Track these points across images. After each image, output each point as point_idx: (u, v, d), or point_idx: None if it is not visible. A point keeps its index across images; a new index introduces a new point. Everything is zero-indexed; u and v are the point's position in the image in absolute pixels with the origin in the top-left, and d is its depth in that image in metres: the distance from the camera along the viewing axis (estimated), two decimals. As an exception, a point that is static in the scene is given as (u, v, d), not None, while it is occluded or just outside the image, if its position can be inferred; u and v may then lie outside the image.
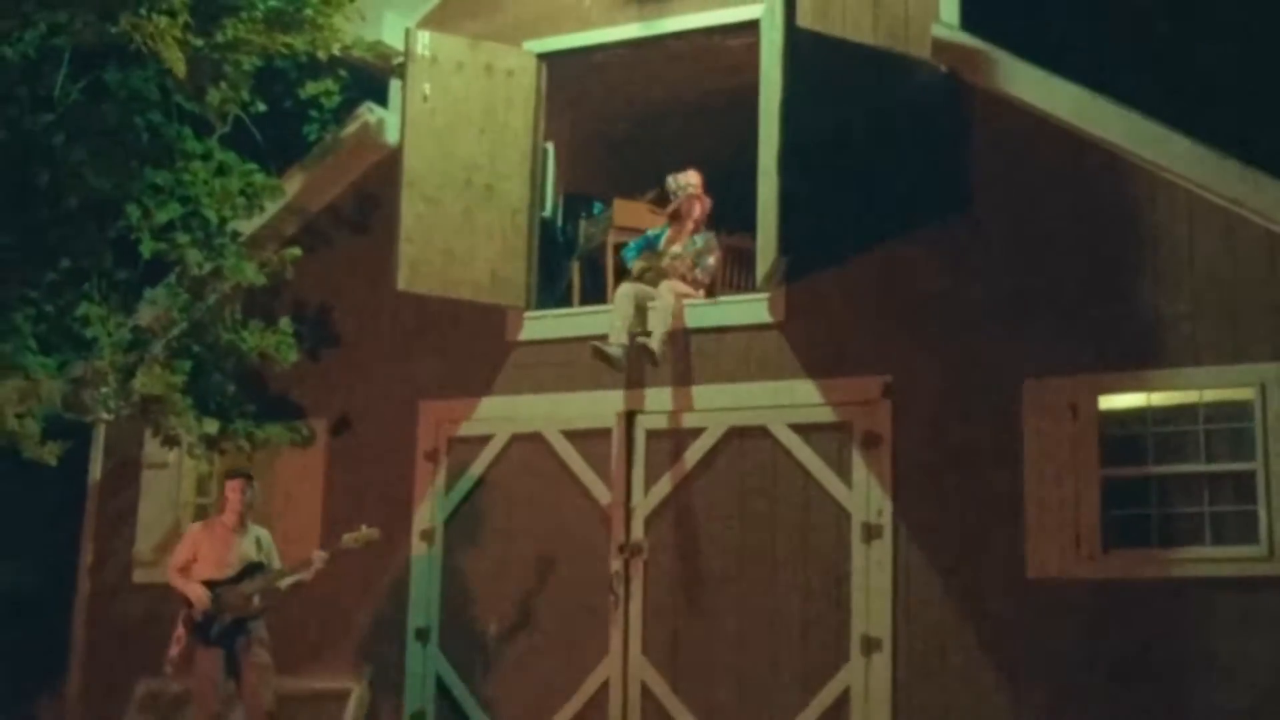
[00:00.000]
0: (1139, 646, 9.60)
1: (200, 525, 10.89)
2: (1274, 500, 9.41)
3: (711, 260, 11.46)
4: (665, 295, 11.03)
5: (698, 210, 11.58)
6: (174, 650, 10.50)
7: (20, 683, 13.01)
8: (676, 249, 11.50)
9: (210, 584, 10.45)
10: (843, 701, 10.28)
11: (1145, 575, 9.69)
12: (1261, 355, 9.58)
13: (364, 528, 10.57)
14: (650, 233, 11.86)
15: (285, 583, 10.66)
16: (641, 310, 11.07)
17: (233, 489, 10.74)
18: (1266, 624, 9.32)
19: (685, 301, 11.18)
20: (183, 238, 11.40)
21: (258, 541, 10.72)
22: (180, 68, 9.81)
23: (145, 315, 11.90)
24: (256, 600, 10.53)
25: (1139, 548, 9.75)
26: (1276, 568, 9.34)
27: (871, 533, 10.37)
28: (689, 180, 11.68)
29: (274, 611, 10.83)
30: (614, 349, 10.84)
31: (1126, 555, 9.75)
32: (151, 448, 12.24)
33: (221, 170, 11.59)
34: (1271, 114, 11.18)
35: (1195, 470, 9.73)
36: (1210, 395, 9.72)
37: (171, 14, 9.97)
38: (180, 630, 10.49)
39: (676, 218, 11.65)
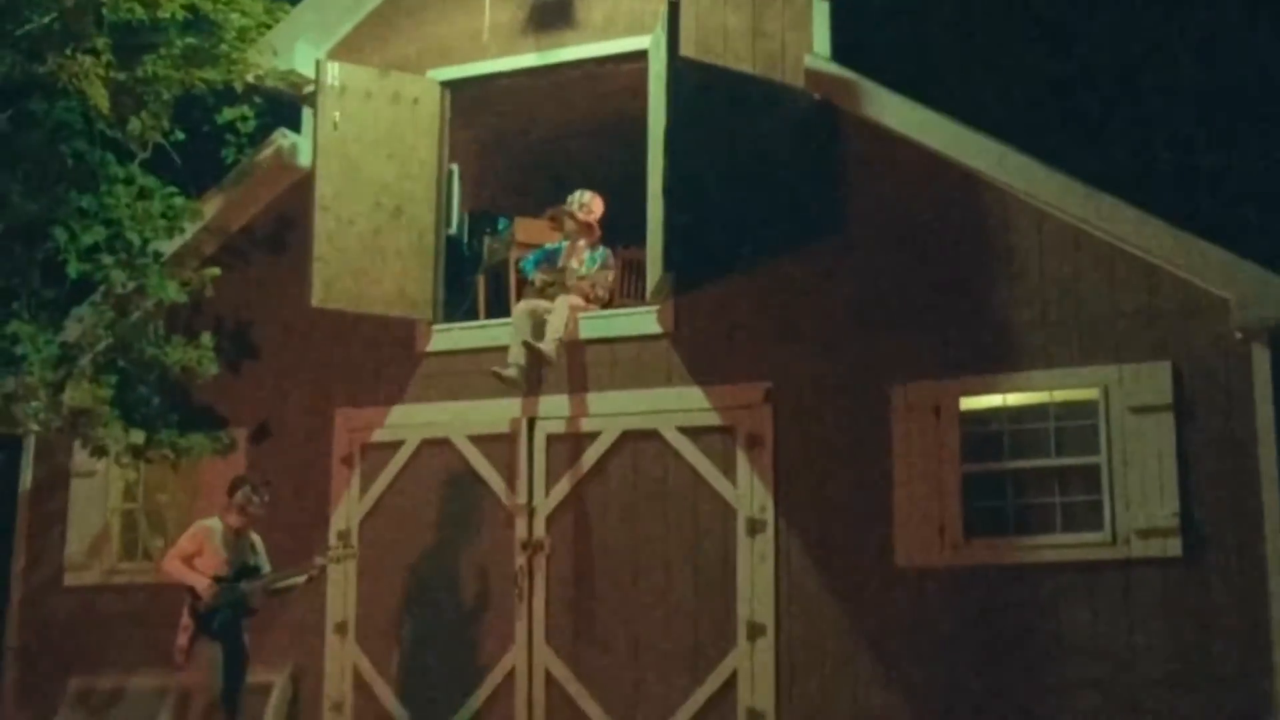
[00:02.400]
0: (999, 627, 10.20)
1: (207, 523, 10.89)
2: (1117, 491, 10.05)
3: (610, 276, 12.00)
4: (560, 308, 11.50)
5: (595, 230, 12.08)
6: (183, 639, 10.56)
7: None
8: (575, 264, 11.98)
9: (214, 579, 10.59)
10: (731, 683, 10.79)
11: (1003, 561, 10.28)
12: (1105, 358, 10.21)
13: (341, 545, 11.23)
14: (549, 246, 12.31)
15: (282, 585, 10.90)
16: (539, 325, 11.51)
17: (245, 496, 10.84)
18: (1111, 603, 9.97)
19: (580, 314, 11.67)
20: (108, 259, 11.75)
21: (253, 546, 10.91)
22: (104, 104, 10.30)
23: (72, 332, 12.12)
24: (254, 600, 10.76)
25: (997, 536, 10.35)
26: (1119, 552, 9.98)
27: (755, 527, 10.91)
28: (586, 198, 12.15)
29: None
30: (511, 371, 11.31)
31: (986, 543, 10.35)
32: (80, 457, 12.51)
33: (143, 194, 11.93)
34: (1115, 138, 11.92)
35: (1047, 465, 10.33)
36: (1060, 395, 10.33)
37: (95, 53, 10.50)
38: (187, 620, 10.57)
39: (579, 229, 12.09)
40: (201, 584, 10.57)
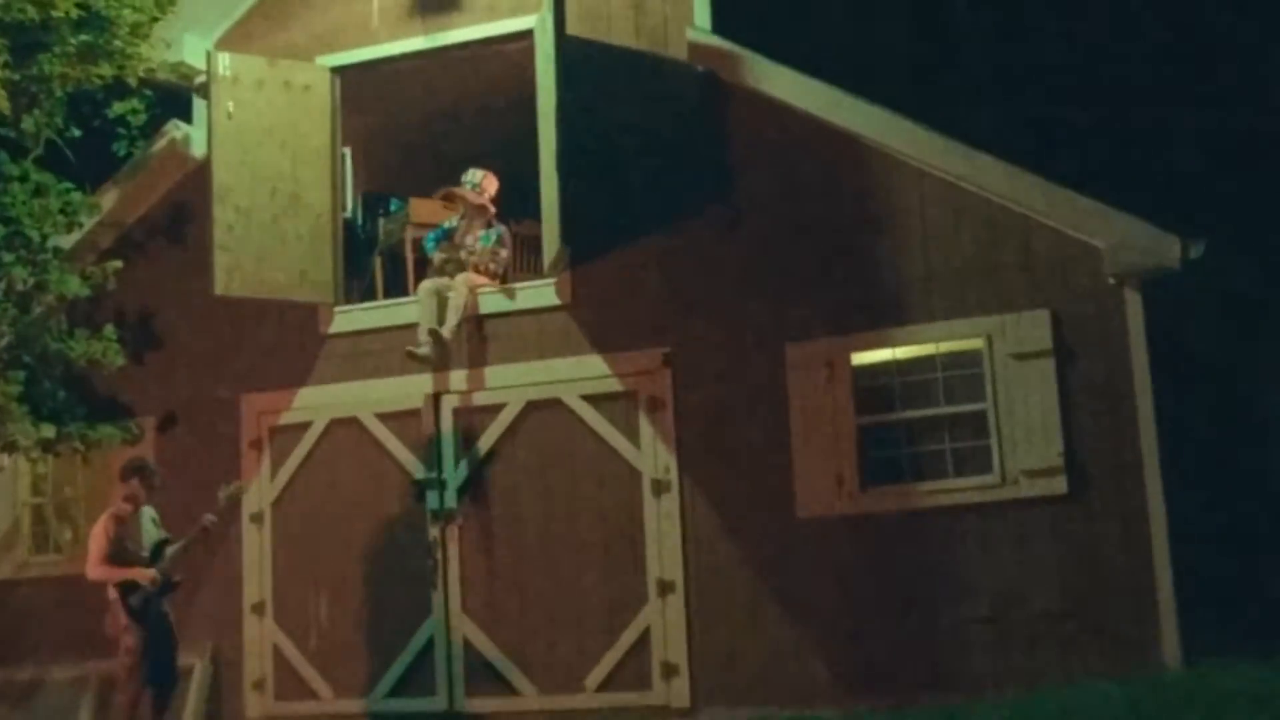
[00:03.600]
0: (898, 570, 10.63)
1: (106, 517, 10.85)
2: (1004, 434, 10.49)
3: (504, 254, 12.27)
4: (459, 287, 11.77)
5: (489, 208, 12.33)
6: (122, 618, 10.59)
7: None
8: (470, 241, 12.23)
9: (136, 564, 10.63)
10: (644, 639, 11.15)
11: (900, 508, 10.70)
12: (987, 309, 10.64)
13: (228, 484, 11.05)
14: (446, 224, 12.51)
15: (184, 548, 10.84)
16: (444, 303, 11.76)
17: (137, 481, 10.89)
18: (1000, 542, 10.45)
19: (480, 290, 11.95)
20: (7, 256, 11.83)
21: (154, 521, 10.95)
22: (6, 106, 10.41)
23: None
24: (173, 574, 10.80)
25: (893, 484, 10.76)
26: (1007, 493, 10.45)
27: (660, 488, 11.24)
28: (479, 177, 12.38)
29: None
30: (423, 349, 11.60)
31: (882, 491, 10.76)
32: None
33: (39, 191, 12.03)
34: (990, 97, 12.36)
35: (937, 413, 10.75)
36: (946, 347, 10.75)
37: (-11, 53, 10.61)
38: (123, 615, 10.58)
39: (473, 209, 12.29)
40: (145, 576, 10.63)
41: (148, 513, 11.01)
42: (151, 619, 10.66)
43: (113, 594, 10.70)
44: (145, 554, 10.76)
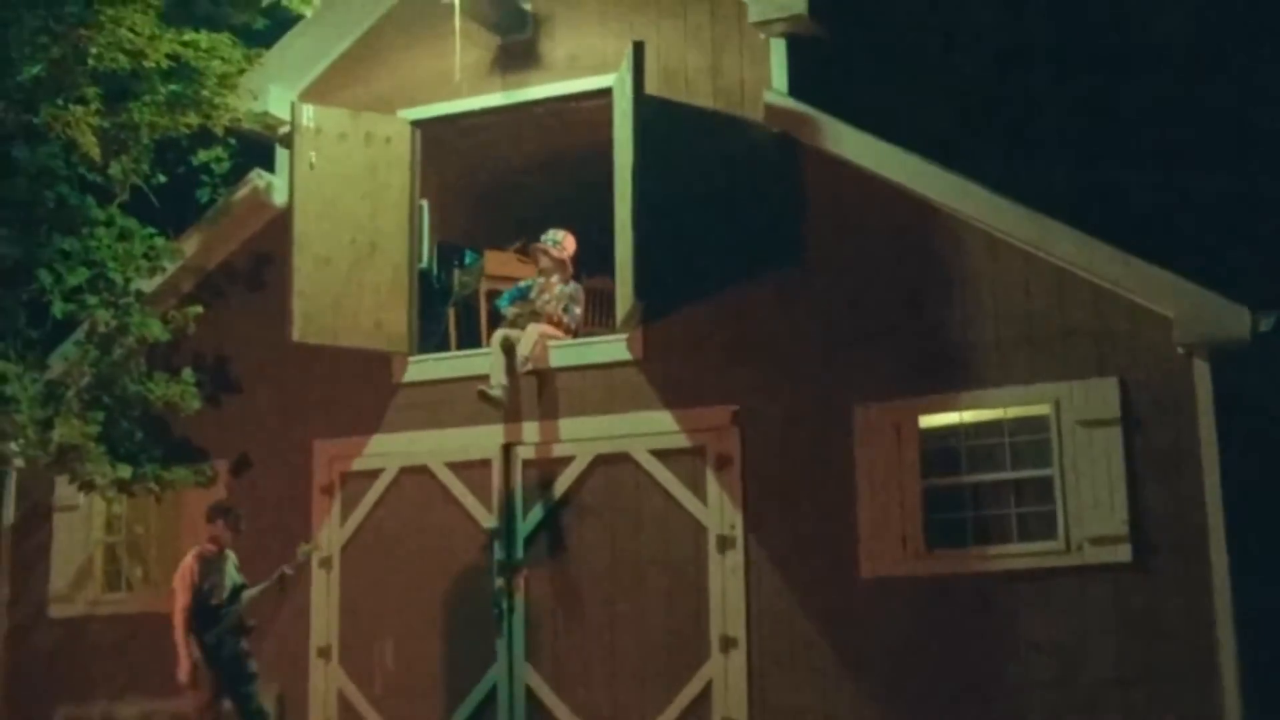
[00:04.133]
0: (960, 631, 10.68)
1: (191, 559, 11.19)
2: (1069, 501, 10.53)
3: (578, 309, 12.44)
4: (529, 332, 11.97)
5: (568, 266, 12.52)
6: (186, 665, 10.97)
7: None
8: (547, 297, 12.42)
9: (215, 608, 10.99)
10: (706, 694, 11.22)
11: (963, 570, 10.75)
12: (1055, 375, 10.69)
13: (307, 542, 11.41)
14: (523, 283, 12.71)
15: (260, 594, 11.22)
16: (514, 352, 11.94)
17: (223, 523, 11.29)
18: (1065, 607, 10.47)
19: (552, 343, 12.11)
20: (92, 299, 12.11)
21: (235, 565, 11.25)
22: (96, 152, 10.70)
23: (56, 370, 12.46)
24: (247, 619, 11.12)
25: (957, 547, 10.82)
26: (1071, 559, 10.48)
27: (725, 544, 11.34)
28: (560, 236, 12.58)
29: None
30: (495, 390, 11.75)
31: (947, 554, 10.83)
32: (63, 491, 12.90)
33: (124, 235, 12.29)
34: (1062, 164, 12.43)
35: (1003, 478, 10.81)
36: (1013, 412, 10.81)
37: (84, 102, 10.91)
38: (187, 645, 10.93)
39: (552, 265, 12.49)
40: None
41: (230, 556, 11.23)
42: (225, 660, 10.79)
43: (182, 635, 10.93)
44: (223, 597, 10.97)
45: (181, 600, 10.93)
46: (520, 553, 11.92)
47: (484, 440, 12.12)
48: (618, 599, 11.66)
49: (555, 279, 12.51)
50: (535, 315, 12.35)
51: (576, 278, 12.73)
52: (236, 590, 11.10)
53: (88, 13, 10.89)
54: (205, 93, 11.79)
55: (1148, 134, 12.82)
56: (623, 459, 11.77)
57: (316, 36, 13.07)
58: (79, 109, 10.74)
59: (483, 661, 11.87)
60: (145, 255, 12.41)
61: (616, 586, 11.69)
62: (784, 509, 11.31)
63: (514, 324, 12.36)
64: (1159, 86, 12.93)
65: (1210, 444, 10.34)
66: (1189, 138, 12.57)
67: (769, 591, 11.25)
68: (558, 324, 12.35)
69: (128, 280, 12.35)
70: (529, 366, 11.95)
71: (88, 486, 12.17)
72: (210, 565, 11.06)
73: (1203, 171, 12.41)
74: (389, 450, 12.43)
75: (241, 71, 12.11)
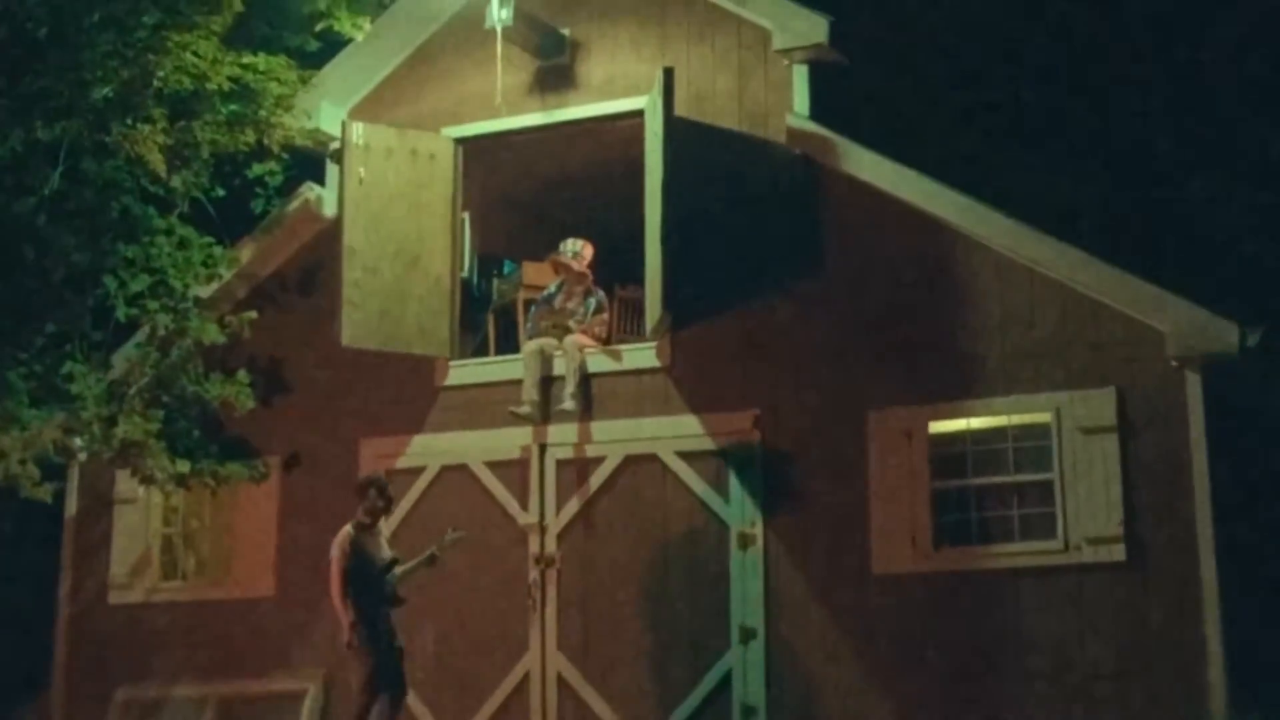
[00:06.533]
0: (965, 625, 11.27)
1: (347, 530, 11.16)
2: (1068, 503, 11.10)
3: (604, 316, 13.02)
4: (571, 351, 12.51)
5: (588, 274, 13.06)
6: (349, 633, 10.97)
7: (6, 693, 14.22)
8: (573, 307, 12.99)
9: (373, 576, 11.04)
10: (726, 682, 11.80)
11: (968, 568, 11.33)
12: (1057, 386, 11.27)
13: (454, 529, 11.50)
14: (545, 291, 13.32)
15: (410, 570, 11.35)
16: (548, 361, 12.58)
17: (375, 493, 11.28)
18: (1062, 603, 11.05)
19: (586, 351, 12.67)
20: (152, 304, 12.73)
21: (386, 540, 11.42)
22: (162, 169, 11.33)
23: (119, 370, 12.99)
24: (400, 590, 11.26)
25: (963, 545, 11.39)
26: (1070, 558, 11.05)
27: (746, 540, 11.91)
28: (579, 246, 13.12)
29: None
30: (525, 409, 12.37)
31: (953, 552, 11.39)
32: (122, 485, 13.53)
33: (183, 244, 12.90)
34: (1065, 183, 13.00)
35: (1006, 481, 11.39)
36: (1017, 419, 11.39)
37: (151, 121, 11.59)
38: (349, 616, 10.97)
39: (573, 276, 13.04)
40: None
41: (381, 530, 11.45)
42: (380, 631, 11.07)
43: (340, 600, 11.11)
44: (378, 568, 11.11)
45: (337, 567, 11.04)
46: (553, 546, 12.46)
47: (520, 440, 12.69)
48: (644, 592, 12.21)
49: (577, 288, 13.05)
50: (562, 326, 12.88)
51: (609, 285, 13.25)
52: (389, 564, 11.28)
53: (155, 38, 11.50)
54: (262, 113, 12.40)
55: (1148, 156, 13.37)
56: (650, 460, 12.31)
57: (366, 57, 13.68)
58: (146, 127, 11.38)
59: (516, 649, 12.42)
60: (203, 263, 13.03)
61: (643, 579, 12.24)
62: (801, 509, 11.87)
63: (545, 332, 12.92)
64: (1158, 104, 13.43)
65: (1200, 451, 10.90)
66: (1185, 158, 13.10)
67: (786, 586, 11.81)
68: (592, 335, 12.91)
69: (186, 286, 12.96)
70: (572, 402, 12.36)
71: (148, 480, 12.73)
72: (365, 535, 11.21)
73: (1205, 186, 12.93)
74: (431, 449, 12.99)
75: (295, 93, 12.73)
